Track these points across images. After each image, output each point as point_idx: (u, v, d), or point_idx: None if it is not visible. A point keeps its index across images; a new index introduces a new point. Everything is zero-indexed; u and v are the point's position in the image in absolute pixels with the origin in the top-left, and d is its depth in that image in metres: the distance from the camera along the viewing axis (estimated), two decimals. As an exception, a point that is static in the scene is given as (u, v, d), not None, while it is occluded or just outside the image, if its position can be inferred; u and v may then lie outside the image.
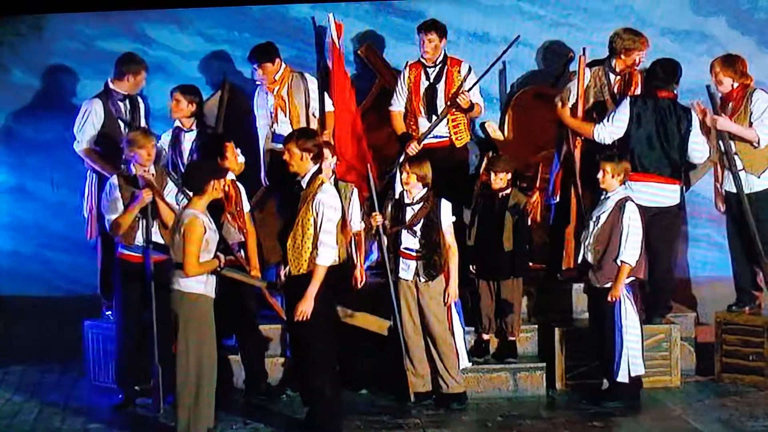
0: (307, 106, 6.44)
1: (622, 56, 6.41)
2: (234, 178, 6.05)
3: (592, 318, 6.07)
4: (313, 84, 6.50)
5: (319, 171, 5.43)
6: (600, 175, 5.90)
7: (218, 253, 5.34)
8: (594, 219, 5.92)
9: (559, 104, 6.45)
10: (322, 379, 5.40)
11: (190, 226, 5.23)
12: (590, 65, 6.51)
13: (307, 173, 5.40)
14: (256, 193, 6.54)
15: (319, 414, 5.47)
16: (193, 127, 6.41)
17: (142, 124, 6.50)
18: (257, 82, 6.55)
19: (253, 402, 6.05)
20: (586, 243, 5.91)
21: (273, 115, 6.42)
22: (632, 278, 5.89)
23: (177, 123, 6.41)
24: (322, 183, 5.38)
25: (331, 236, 5.33)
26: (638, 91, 6.44)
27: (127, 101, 6.43)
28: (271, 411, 5.93)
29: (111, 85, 6.40)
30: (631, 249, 5.82)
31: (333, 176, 6.00)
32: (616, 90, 6.48)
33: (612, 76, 6.49)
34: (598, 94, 6.50)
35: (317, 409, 5.47)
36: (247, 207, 6.01)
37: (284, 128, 6.37)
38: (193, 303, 5.26)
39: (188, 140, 6.38)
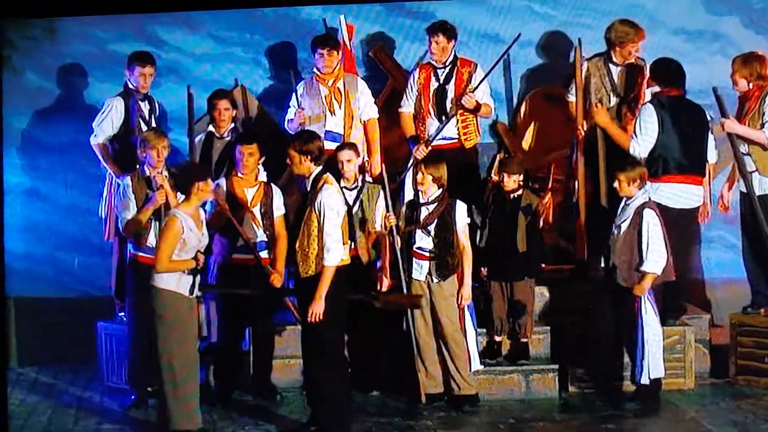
0: (359, 108, 6.45)
1: (617, 48, 6.40)
2: (265, 180, 6.07)
3: (610, 318, 6.01)
4: (365, 88, 6.51)
5: (323, 172, 5.44)
6: (616, 185, 5.90)
7: (198, 254, 5.37)
8: (616, 226, 5.90)
9: (597, 106, 6.37)
10: (331, 380, 5.40)
11: (167, 224, 5.34)
12: (591, 58, 6.51)
13: (310, 175, 5.42)
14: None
15: (326, 415, 5.47)
16: (227, 134, 6.41)
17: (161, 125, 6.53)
18: (314, 70, 6.42)
19: (262, 402, 6.05)
20: (613, 249, 5.88)
21: (326, 105, 6.38)
22: (660, 282, 5.86)
23: (210, 128, 6.41)
24: (325, 183, 5.39)
25: (335, 237, 5.34)
26: (647, 87, 6.39)
27: (147, 102, 6.45)
28: (283, 413, 5.93)
29: (130, 85, 6.42)
30: (654, 257, 5.79)
31: (361, 177, 6.01)
32: (617, 82, 6.44)
33: (613, 68, 6.48)
34: (598, 84, 6.47)
35: (325, 410, 5.47)
36: (281, 210, 6.01)
37: (335, 125, 6.37)
38: (164, 299, 5.33)
39: (220, 146, 6.37)
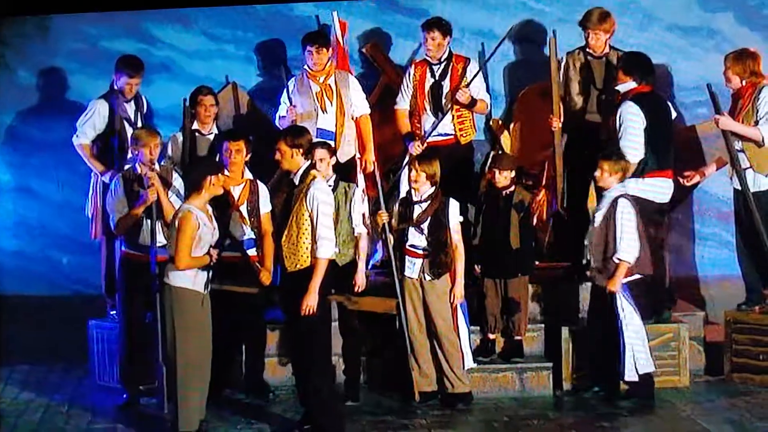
0: (350, 104, 6.42)
1: (584, 34, 6.44)
2: (252, 177, 6.04)
3: (593, 317, 6.01)
4: (356, 85, 6.48)
5: (312, 167, 5.46)
6: (597, 173, 5.88)
7: (211, 250, 5.36)
8: (593, 218, 5.88)
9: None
10: (321, 377, 5.38)
11: (183, 220, 5.29)
12: (572, 51, 6.54)
13: (299, 169, 5.42)
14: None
15: (319, 413, 5.45)
16: (213, 130, 6.38)
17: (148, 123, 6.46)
18: (305, 67, 6.39)
19: (255, 402, 6.03)
20: (589, 243, 5.87)
21: (318, 102, 6.35)
22: (639, 276, 5.83)
23: (195, 125, 6.36)
24: (314, 178, 5.41)
25: (328, 229, 5.36)
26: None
27: (132, 102, 6.42)
28: (276, 411, 5.91)
29: (115, 86, 6.39)
30: (627, 246, 5.78)
31: (334, 176, 5.98)
32: (596, 73, 6.44)
33: (591, 60, 6.49)
34: (576, 76, 6.47)
35: (318, 408, 5.45)
36: (267, 207, 5.99)
37: (326, 122, 6.34)
38: (180, 297, 5.29)
39: (205, 144, 6.32)
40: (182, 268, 5.25)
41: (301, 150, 5.39)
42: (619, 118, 6.13)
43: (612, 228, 5.79)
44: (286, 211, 5.41)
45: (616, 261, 5.78)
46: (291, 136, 5.42)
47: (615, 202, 5.81)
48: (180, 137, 6.34)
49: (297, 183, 5.41)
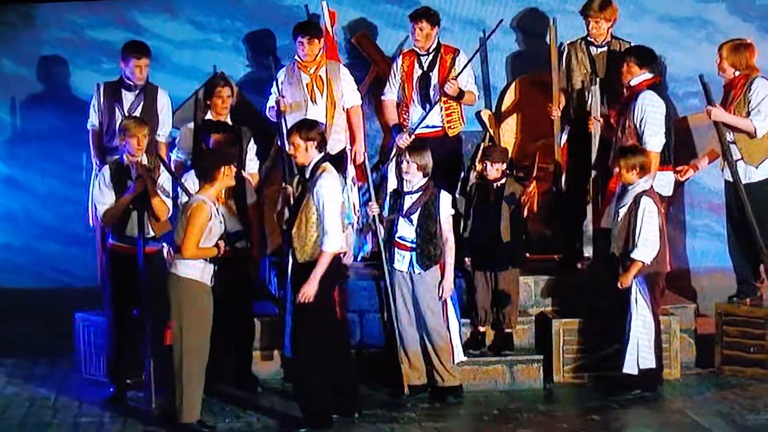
0: (341, 95, 6.39)
1: (585, 22, 6.43)
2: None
3: (611, 310, 5.97)
4: (347, 75, 6.44)
5: (323, 160, 5.44)
6: (617, 171, 5.84)
7: (219, 242, 5.33)
8: (616, 213, 5.86)
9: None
10: (317, 371, 5.36)
11: (196, 209, 5.26)
12: (574, 41, 6.53)
13: (311, 162, 5.42)
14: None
15: (308, 409, 5.44)
16: (227, 121, 6.33)
17: (159, 116, 6.33)
18: (296, 58, 6.35)
19: (243, 395, 6.00)
20: (613, 237, 5.84)
21: (308, 93, 6.32)
22: (652, 271, 5.79)
23: (209, 115, 6.31)
24: (324, 171, 5.40)
25: (335, 222, 5.36)
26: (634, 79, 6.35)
27: (137, 91, 6.32)
28: (264, 405, 5.88)
29: (125, 75, 6.32)
30: (644, 245, 5.74)
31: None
32: (598, 63, 6.42)
33: (593, 49, 6.47)
34: (578, 65, 6.45)
35: (301, 399, 5.45)
36: (252, 199, 5.98)
37: (316, 113, 6.29)
38: (187, 288, 5.27)
39: None
40: (187, 257, 5.21)
41: (314, 143, 5.39)
42: (641, 108, 6.08)
43: (632, 225, 5.75)
44: (297, 204, 5.40)
45: (631, 260, 5.74)
46: (304, 129, 5.43)
47: (638, 199, 5.77)
48: (192, 128, 6.28)
49: (308, 176, 5.41)
